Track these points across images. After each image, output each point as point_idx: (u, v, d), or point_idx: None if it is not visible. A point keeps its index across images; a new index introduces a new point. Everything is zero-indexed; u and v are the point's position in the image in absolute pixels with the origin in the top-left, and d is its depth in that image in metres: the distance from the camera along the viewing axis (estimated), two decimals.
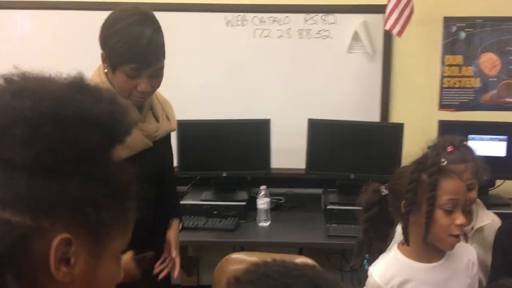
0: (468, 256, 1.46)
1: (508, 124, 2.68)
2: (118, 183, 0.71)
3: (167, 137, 1.80)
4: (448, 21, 2.91)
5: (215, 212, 2.65)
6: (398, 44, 2.90)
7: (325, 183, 2.87)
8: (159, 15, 3.09)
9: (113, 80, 1.52)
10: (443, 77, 2.94)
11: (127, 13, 1.47)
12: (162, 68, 1.54)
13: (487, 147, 2.66)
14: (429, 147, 1.66)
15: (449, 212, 1.30)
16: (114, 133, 0.70)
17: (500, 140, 2.68)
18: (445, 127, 2.70)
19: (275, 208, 2.79)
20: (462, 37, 2.91)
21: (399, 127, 2.67)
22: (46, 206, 0.64)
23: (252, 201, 2.73)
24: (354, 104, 2.97)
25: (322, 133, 2.76)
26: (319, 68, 2.96)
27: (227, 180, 2.80)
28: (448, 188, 1.30)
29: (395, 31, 2.59)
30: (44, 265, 0.64)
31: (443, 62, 2.93)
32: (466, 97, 2.94)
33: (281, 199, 2.93)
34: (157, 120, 1.68)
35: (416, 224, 1.34)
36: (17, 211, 0.63)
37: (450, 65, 2.93)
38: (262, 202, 2.62)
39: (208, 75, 3.00)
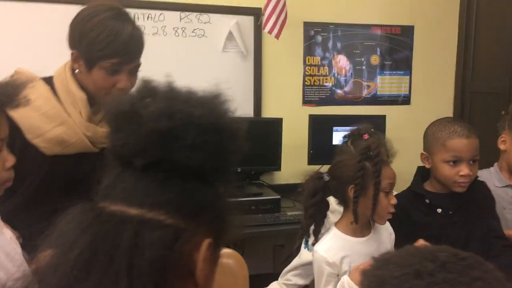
0: (386, 228, 1.74)
1: (363, 116, 3.12)
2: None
3: None
4: (307, 25, 3.25)
5: None
6: (268, 45, 3.13)
7: None
8: (27, 6, 2.80)
9: (88, 79, 1.41)
10: (305, 75, 3.28)
11: (103, 7, 1.36)
12: (139, 65, 1.47)
13: None
14: (345, 137, 1.88)
15: (387, 194, 1.55)
16: (238, 141, 0.73)
17: None
18: (313, 120, 3.04)
19: None
20: (319, 40, 3.29)
21: (279, 122, 2.91)
22: (197, 210, 0.66)
23: None
24: (229, 100, 3.11)
25: None
26: (195, 66, 3.03)
27: None
28: (387, 174, 1.54)
29: (273, 33, 2.81)
30: (187, 267, 0.65)
31: (305, 62, 3.27)
32: (324, 94, 3.33)
33: None
34: None
35: (361, 205, 1.55)
36: (171, 213, 0.64)
37: (310, 65, 3.28)
38: None
39: None
